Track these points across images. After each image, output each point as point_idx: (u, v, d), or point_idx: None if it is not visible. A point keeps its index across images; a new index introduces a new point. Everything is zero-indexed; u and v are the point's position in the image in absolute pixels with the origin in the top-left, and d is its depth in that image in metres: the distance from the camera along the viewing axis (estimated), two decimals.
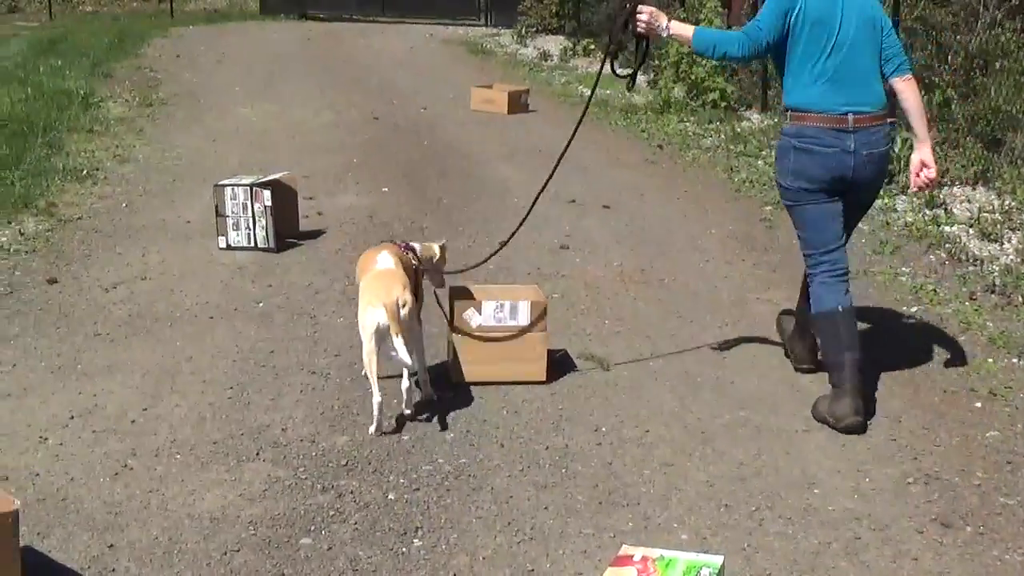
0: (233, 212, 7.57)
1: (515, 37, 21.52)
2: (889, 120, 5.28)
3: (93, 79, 14.84)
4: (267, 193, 7.51)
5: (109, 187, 9.26)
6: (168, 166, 10.18)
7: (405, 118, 12.92)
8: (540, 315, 5.40)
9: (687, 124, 12.62)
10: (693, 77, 13.36)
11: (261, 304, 6.52)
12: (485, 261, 6.30)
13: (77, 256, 7.37)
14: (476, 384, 5.35)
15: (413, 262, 5.28)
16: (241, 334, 6.03)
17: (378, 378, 4.83)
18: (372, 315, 4.77)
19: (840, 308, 5.14)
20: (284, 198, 7.77)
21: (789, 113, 5.20)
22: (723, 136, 11.80)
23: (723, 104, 13.10)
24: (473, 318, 5.38)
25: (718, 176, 10.11)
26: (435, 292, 5.86)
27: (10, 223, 8.01)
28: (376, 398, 4.82)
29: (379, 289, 4.84)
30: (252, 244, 7.56)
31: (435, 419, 5.01)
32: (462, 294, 5.52)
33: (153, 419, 4.98)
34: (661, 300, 6.77)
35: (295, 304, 6.51)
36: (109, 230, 7.99)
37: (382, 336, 4.76)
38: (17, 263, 7.18)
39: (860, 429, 4.97)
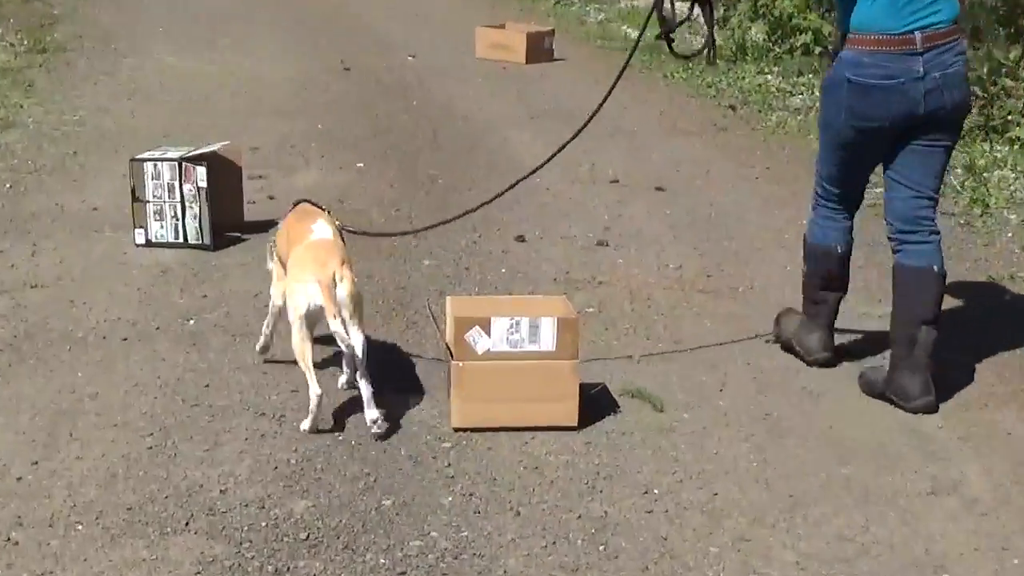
0: (155, 196, 7.58)
1: None
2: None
3: None
4: (201, 170, 7.52)
5: None
6: (67, 133, 10.21)
7: (388, 70, 12.94)
8: (570, 336, 5.39)
9: (769, 76, 12.61)
10: (777, 13, 13.36)
11: (192, 321, 6.52)
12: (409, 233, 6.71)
13: None
14: (482, 430, 5.34)
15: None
16: (165, 362, 6.03)
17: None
18: (302, 293, 5.30)
19: (839, 248, 5.99)
20: (224, 177, 7.77)
21: (848, 35, 5.55)
22: (817, 92, 11.77)
23: (817, 50, 13.07)
24: (479, 341, 5.37)
25: (810, 147, 10.07)
26: (428, 306, 5.85)
27: None
28: (315, 389, 5.27)
29: (311, 262, 5.37)
30: (181, 239, 7.57)
31: (427, 478, 5.01)
32: (464, 308, 5.51)
33: (46, 476, 4.97)
34: (733, 315, 6.76)
35: (238, 321, 6.52)
36: None
37: (314, 320, 5.33)
38: None
39: (829, 365, 6.07)
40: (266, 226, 7.88)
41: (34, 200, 8.45)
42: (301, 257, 5.40)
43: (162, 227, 7.58)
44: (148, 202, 7.59)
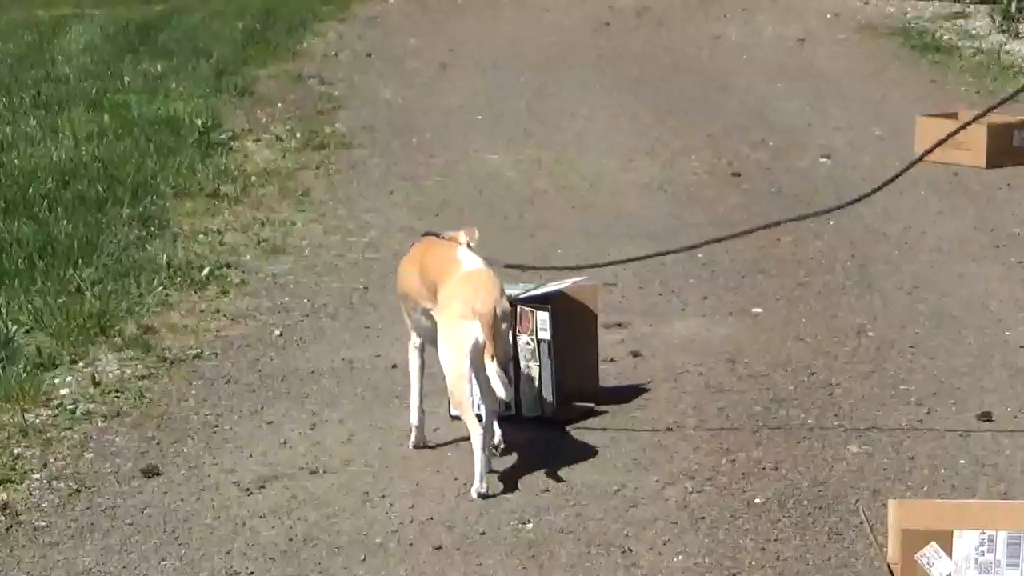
0: None
1: (998, 20, 21.38)
2: None
3: (218, 99, 15.52)
4: (543, 316, 7.63)
5: (250, 299, 9.68)
6: (355, 262, 10.55)
7: (791, 175, 13.03)
8: None
9: None
10: None
11: (530, 524, 6.61)
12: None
13: (195, 427, 7.69)
14: None
15: None
16: None
17: None
18: (467, 330, 6.49)
19: None
20: (573, 326, 7.87)
21: None
22: None
23: None
24: (936, 563, 5.33)
25: None
26: (862, 513, 5.85)
27: (76, 362, 8.46)
28: (479, 439, 6.70)
29: (471, 295, 6.55)
30: (512, 410, 7.65)
31: None
32: (914, 516, 5.51)
33: None
34: None
35: (594, 526, 6.57)
36: (250, 380, 8.33)
37: (478, 357, 6.55)
38: (89, 435, 7.55)
39: None
40: (630, 395, 8.01)
41: (312, 353, 8.72)
42: (459, 289, 6.35)
43: None
44: None
